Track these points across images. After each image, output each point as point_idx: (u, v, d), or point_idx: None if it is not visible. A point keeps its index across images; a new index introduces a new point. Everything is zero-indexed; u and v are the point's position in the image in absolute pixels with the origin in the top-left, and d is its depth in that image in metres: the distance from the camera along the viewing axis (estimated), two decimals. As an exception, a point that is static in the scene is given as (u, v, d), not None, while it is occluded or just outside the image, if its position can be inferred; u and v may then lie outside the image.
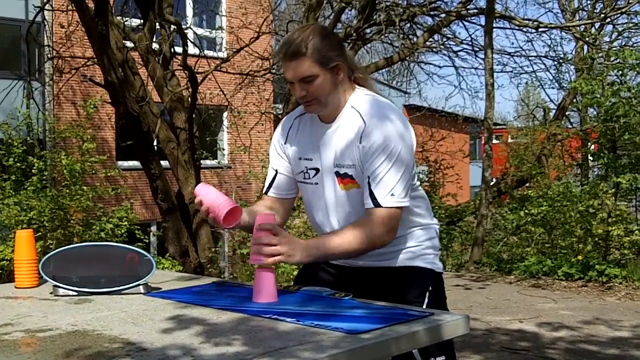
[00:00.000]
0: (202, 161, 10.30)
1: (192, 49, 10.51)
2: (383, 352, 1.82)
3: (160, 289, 2.48)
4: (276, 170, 2.58)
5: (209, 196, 2.32)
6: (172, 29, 9.05)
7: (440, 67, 21.71)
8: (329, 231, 2.48)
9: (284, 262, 2.21)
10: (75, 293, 2.38)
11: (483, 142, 12.78)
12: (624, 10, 13.21)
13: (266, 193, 2.61)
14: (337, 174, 2.42)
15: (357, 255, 2.37)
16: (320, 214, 2.51)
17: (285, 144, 2.56)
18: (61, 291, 2.39)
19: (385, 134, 2.31)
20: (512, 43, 49.27)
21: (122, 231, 9.86)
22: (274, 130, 2.70)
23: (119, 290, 2.39)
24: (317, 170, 2.47)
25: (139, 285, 2.41)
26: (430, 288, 2.49)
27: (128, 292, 2.39)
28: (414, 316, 2.04)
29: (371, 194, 2.32)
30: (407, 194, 2.35)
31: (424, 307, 2.41)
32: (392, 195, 2.30)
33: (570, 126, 16.95)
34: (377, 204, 2.31)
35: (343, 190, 2.42)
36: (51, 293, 2.42)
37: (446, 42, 13.47)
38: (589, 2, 15.26)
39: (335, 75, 2.36)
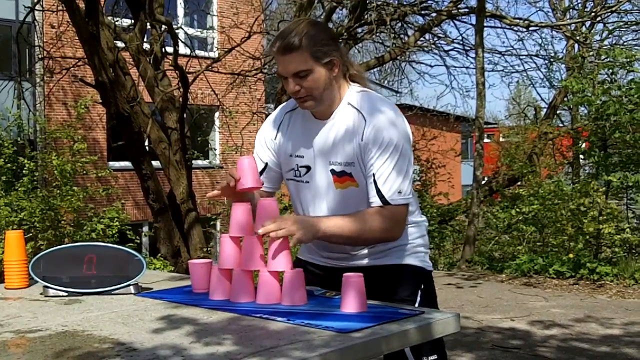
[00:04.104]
0: (193, 161, 10.28)
1: (183, 49, 10.50)
2: (374, 351, 1.82)
3: (151, 289, 2.48)
4: (266, 164, 2.53)
5: (242, 169, 2.30)
6: (163, 29, 9.03)
7: (431, 66, 21.76)
8: None
9: (298, 240, 2.18)
10: (65, 293, 2.38)
11: (474, 141, 12.80)
12: (614, 9, 13.26)
13: None
14: (333, 171, 2.37)
15: (358, 244, 2.36)
16: (310, 213, 2.45)
17: (275, 139, 2.50)
18: (51, 292, 2.38)
19: (389, 131, 2.30)
20: (503, 42, 49.37)
21: (114, 232, 9.82)
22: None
23: (109, 291, 2.39)
24: (308, 168, 2.43)
25: (129, 285, 2.40)
26: (422, 286, 2.48)
27: (118, 293, 2.39)
28: (404, 315, 2.04)
29: (378, 192, 2.29)
30: (411, 190, 2.36)
31: (416, 305, 2.41)
32: (399, 192, 2.30)
33: (561, 125, 16.98)
34: (385, 202, 2.30)
35: (339, 188, 2.38)
36: (41, 294, 2.41)
37: (437, 42, 13.51)
38: (579, 1, 15.32)
39: (330, 71, 2.33)
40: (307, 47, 2.27)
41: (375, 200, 2.30)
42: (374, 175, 2.30)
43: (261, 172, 2.51)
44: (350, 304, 2.06)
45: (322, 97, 2.34)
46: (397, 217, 2.32)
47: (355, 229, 2.28)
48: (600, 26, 15.01)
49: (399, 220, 2.33)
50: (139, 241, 10.70)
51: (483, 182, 13.89)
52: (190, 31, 14.37)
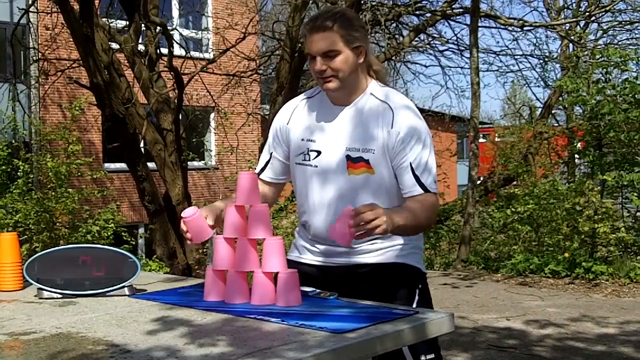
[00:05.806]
0: (189, 162, 10.28)
1: (178, 50, 10.50)
2: (368, 351, 1.82)
3: (146, 290, 2.47)
4: (271, 154, 2.57)
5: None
6: (157, 30, 9.03)
7: (426, 66, 21.78)
8: (319, 217, 2.44)
9: (382, 231, 2.10)
10: (59, 295, 2.37)
11: (470, 141, 12.81)
12: (608, 8, 13.29)
13: (259, 175, 2.59)
14: (348, 157, 2.39)
15: (417, 232, 2.40)
16: (316, 198, 2.45)
17: (287, 124, 2.53)
18: (46, 294, 2.38)
19: (420, 125, 2.38)
20: (498, 42, 49.43)
21: (109, 233, 9.83)
22: (260, 131, 2.69)
23: (104, 293, 2.38)
24: (319, 152, 2.44)
25: (123, 287, 2.40)
26: (419, 285, 2.49)
27: (113, 294, 2.38)
28: (399, 315, 2.04)
29: (418, 180, 2.34)
30: None
31: (414, 304, 2.41)
32: (434, 182, 2.38)
33: (556, 124, 17.01)
34: (426, 190, 2.34)
35: (351, 174, 2.39)
36: (35, 296, 2.41)
37: (432, 42, 13.54)
38: (573, 0, 15.33)
39: (356, 57, 2.38)
40: (339, 29, 2.35)
41: (415, 189, 2.34)
42: (411, 164, 2.34)
43: (266, 164, 2.59)
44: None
45: (345, 80, 2.38)
46: (435, 205, 2.38)
47: (414, 219, 2.27)
48: (594, 26, 15.04)
49: (435, 208, 2.39)
50: (134, 243, 10.71)
51: (478, 182, 13.91)
52: (185, 32, 14.35)
